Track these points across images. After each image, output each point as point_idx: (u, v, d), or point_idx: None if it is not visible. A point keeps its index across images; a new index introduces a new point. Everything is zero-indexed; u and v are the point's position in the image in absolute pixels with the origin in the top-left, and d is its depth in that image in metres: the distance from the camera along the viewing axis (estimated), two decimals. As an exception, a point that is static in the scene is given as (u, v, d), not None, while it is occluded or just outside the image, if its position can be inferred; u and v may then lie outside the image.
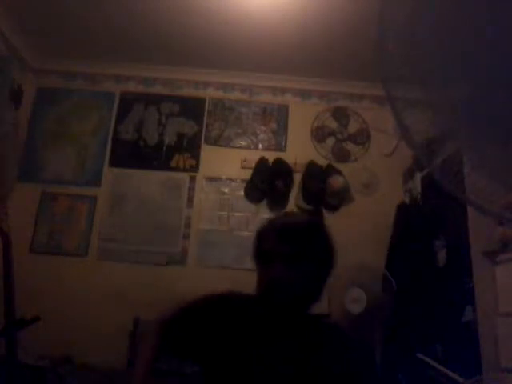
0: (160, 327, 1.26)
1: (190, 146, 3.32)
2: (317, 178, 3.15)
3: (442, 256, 2.45)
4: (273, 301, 1.13)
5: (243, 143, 3.35)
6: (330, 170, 3.19)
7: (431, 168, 0.73)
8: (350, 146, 3.36)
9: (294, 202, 3.18)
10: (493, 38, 0.69)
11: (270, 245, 1.15)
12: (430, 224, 2.62)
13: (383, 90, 0.73)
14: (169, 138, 3.35)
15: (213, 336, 1.18)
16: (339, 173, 3.18)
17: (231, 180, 3.25)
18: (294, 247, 1.13)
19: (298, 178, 3.21)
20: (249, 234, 3.04)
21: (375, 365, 1.30)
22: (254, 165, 3.22)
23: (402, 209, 2.98)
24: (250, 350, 1.14)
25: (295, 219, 1.30)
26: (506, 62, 0.69)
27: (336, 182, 3.11)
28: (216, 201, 3.20)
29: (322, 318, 1.29)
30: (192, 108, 3.42)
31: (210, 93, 3.46)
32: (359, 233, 3.06)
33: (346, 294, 2.58)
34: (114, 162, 3.29)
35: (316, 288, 1.22)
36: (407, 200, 3.03)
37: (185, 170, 3.25)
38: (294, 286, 1.13)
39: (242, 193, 3.21)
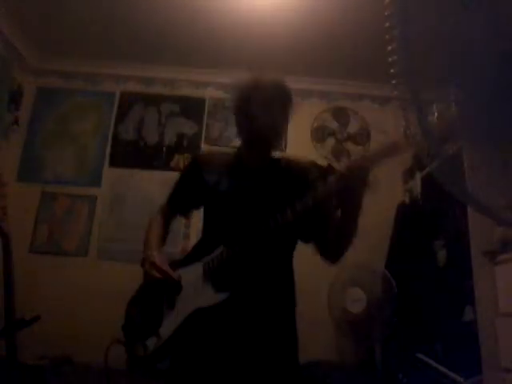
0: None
1: (190, 146, 3.32)
2: (317, 177, 3.15)
3: (442, 256, 2.45)
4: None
5: (243, 143, 3.35)
6: (330, 170, 3.19)
7: (432, 167, 0.73)
8: (350, 146, 3.36)
9: (293, 201, 3.18)
10: (492, 37, 0.69)
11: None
12: (429, 224, 2.62)
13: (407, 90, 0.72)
14: (169, 138, 3.35)
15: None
16: (339, 173, 3.18)
17: (231, 180, 3.25)
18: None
19: (297, 177, 3.21)
20: (249, 233, 3.04)
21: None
22: (253, 165, 3.22)
23: (401, 209, 2.98)
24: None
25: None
26: (506, 61, 0.69)
27: (336, 182, 3.11)
28: (216, 201, 3.20)
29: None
30: (192, 108, 3.42)
31: (210, 93, 3.46)
32: (359, 233, 3.05)
33: (346, 293, 2.58)
34: (114, 162, 3.29)
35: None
36: (407, 200, 3.02)
37: (185, 169, 3.25)
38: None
39: (242, 193, 3.21)
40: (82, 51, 3.30)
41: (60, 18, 2.90)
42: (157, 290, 1.37)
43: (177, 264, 1.38)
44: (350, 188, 1.18)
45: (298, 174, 1.40)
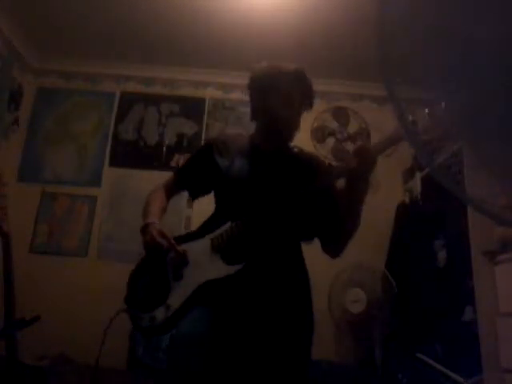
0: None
1: (189, 146, 3.32)
2: (317, 177, 3.16)
3: (442, 256, 2.45)
4: None
5: (243, 143, 3.35)
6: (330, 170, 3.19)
7: (431, 168, 0.73)
8: (350, 146, 3.36)
9: (294, 201, 3.18)
10: (493, 37, 0.69)
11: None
12: (430, 224, 2.62)
13: (385, 90, 0.73)
14: (169, 138, 3.34)
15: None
16: (339, 173, 3.18)
17: (231, 180, 3.25)
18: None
19: (297, 177, 3.21)
20: (249, 233, 3.04)
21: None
22: (253, 165, 3.22)
23: (401, 209, 2.98)
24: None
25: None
26: (506, 60, 0.69)
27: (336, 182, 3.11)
28: (216, 201, 3.20)
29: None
30: (192, 108, 3.42)
31: (210, 93, 3.46)
32: (359, 233, 3.04)
33: (346, 293, 2.58)
34: (114, 162, 3.29)
35: None
36: (407, 200, 3.02)
37: (185, 169, 3.25)
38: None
39: (242, 193, 3.20)
40: (82, 51, 3.30)
41: (60, 18, 2.90)
42: (161, 261, 1.36)
43: (180, 239, 1.37)
44: (358, 172, 1.18)
45: (311, 163, 1.44)
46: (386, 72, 0.67)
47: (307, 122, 3.39)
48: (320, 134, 3.36)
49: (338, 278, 2.67)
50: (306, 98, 1.46)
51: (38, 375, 2.37)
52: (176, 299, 1.27)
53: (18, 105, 3.24)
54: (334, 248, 1.40)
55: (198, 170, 1.49)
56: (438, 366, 2.15)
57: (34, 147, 3.29)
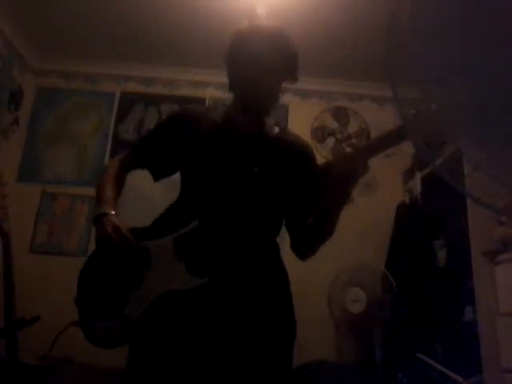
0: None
1: (190, 146, 3.32)
2: (317, 177, 3.15)
3: (442, 256, 2.45)
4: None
5: (243, 143, 3.35)
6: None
7: (435, 166, 0.73)
8: (350, 146, 3.36)
9: (293, 201, 3.18)
10: (493, 36, 0.69)
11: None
12: (430, 224, 2.62)
13: (390, 89, 0.73)
14: (169, 138, 3.35)
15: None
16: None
17: (231, 180, 3.24)
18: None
19: (297, 178, 3.21)
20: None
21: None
22: (253, 165, 3.22)
23: (401, 209, 2.98)
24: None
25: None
26: (506, 60, 0.69)
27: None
28: (216, 201, 3.19)
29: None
30: (192, 108, 3.42)
31: (210, 93, 3.46)
32: (359, 233, 3.06)
33: (346, 294, 2.58)
34: (114, 162, 3.29)
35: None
36: (407, 200, 3.02)
37: (185, 169, 3.25)
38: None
39: (242, 193, 3.20)
40: (82, 51, 3.30)
41: (60, 18, 2.90)
42: (118, 261, 1.20)
43: (142, 233, 1.22)
44: (341, 179, 1.05)
45: (295, 147, 1.27)
46: (393, 73, 0.68)
47: (307, 121, 3.40)
48: (320, 134, 3.36)
49: (338, 278, 2.67)
50: (290, 67, 1.26)
51: (38, 375, 2.37)
52: (134, 309, 1.12)
53: (18, 105, 3.24)
54: (303, 250, 1.22)
55: (162, 145, 1.29)
56: (438, 366, 2.15)
57: (34, 147, 3.29)
